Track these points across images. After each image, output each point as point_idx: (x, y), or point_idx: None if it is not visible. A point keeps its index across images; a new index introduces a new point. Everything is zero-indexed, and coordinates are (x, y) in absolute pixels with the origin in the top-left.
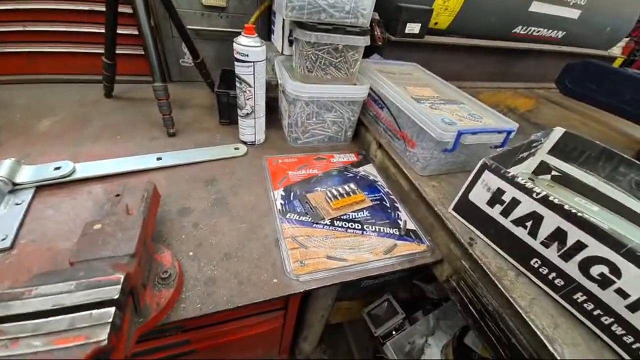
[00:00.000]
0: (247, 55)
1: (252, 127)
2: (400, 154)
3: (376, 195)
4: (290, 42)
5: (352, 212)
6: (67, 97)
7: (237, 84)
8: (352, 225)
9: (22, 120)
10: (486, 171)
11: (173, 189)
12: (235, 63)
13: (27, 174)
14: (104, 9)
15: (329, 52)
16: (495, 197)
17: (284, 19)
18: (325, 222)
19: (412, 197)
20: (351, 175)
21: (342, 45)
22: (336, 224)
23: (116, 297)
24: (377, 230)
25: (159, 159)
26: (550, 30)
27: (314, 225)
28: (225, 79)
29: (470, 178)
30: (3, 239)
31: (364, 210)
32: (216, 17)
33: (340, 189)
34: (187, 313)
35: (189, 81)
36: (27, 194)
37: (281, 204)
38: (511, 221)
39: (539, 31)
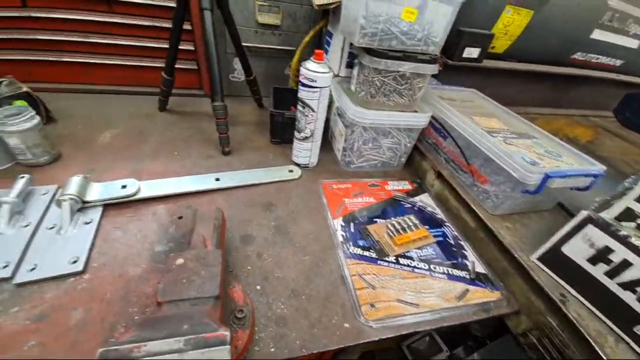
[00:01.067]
0: (315, 81)
1: (308, 150)
2: (467, 189)
3: (438, 230)
4: (349, 65)
5: (416, 248)
6: (122, 109)
7: (300, 108)
8: (418, 264)
9: (84, 132)
10: (590, 225)
11: (234, 213)
12: (301, 87)
13: (95, 192)
14: (165, 25)
15: (395, 79)
16: (600, 255)
17: (344, 42)
18: (390, 260)
19: (479, 235)
20: (408, 205)
21: (409, 73)
22: (402, 262)
23: (227, 359)
24: (446, 272)
25: (217, 179)
26: (609, 58)
27: (379, 262)
28: (278, 98)
29: (566, 230)
30: (75, 262)
31: (428, 247)
32: (269, 35)
33: (401, 221)
34: (262, 357)
35: (236, 96)
36: (95, 213)
37: (342, 235)
38: (618, 284)
39: (597, 58)
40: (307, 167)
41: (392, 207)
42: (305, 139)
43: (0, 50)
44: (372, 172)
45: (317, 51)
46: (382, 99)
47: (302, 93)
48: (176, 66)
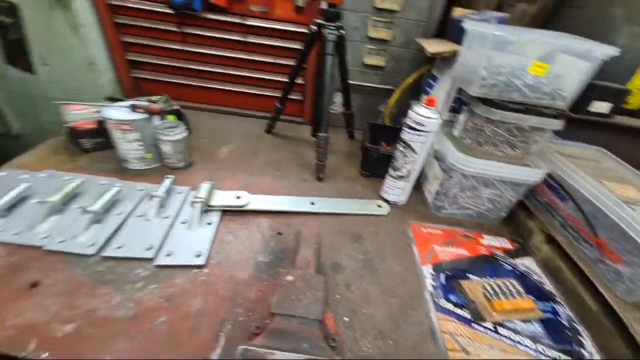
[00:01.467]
0: (424, 126)
1: (400, 189)
2: (590, 264)
3: (546, 305)
4: (453, 109)
5: (518, 320)
6: (237, 129)
7: (400, 147)
8: (522, 340)
9: (209, 146)
10: None
11: (325, 238)
12: (406, 129)
13: (217, 198)
14: (282, 62)
15: (508, 130)
16: None
17: (451, 87)
18: (487, 326)
19: (603, 323)
20: (509, 267)
21: (528, 125)
22: (502, 333)
23: None
24: (557, 358)
25: (312, 203)
26: None
27: (473, 324)
28: (373, 133)
29: None
30: (199, 255)
31: (534, 322)
32: (372, 74)
33: (500, 283)
34: None
35: (331, 126)
36: (215, 216)
37: (432, 285)
38: None
39: None
40: (396, 204)
41: (489, 265)
42: (400, 177)
43: (161, 73)
44: (464, 221)
45: (429, 97)
46: (490, 148)
47: (406, 135)
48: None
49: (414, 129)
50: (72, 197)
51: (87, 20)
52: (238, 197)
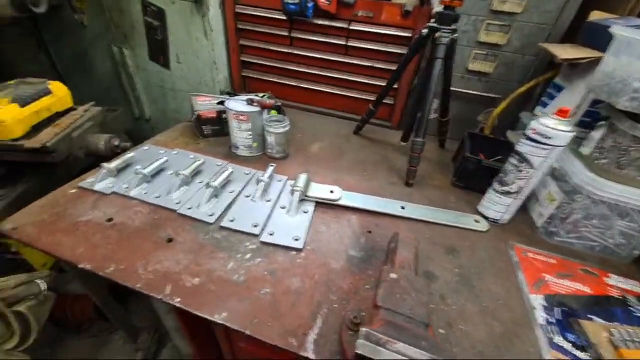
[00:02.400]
0: (550, 138)
1: (505, 206)
2: None
3: None
4: (582, 123)
5: None
6: (327, 128)
7: (514, 161)
8: None
9: (302, 141)
10: None
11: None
12: (525, 141)
13: (313, 190)
14: (381, 66)
15: None
16: None
17: (583, 98)
18: None
19: None
20: None
21: None
22: None
23: None
24: None
25: (402, 207)
26: None
27: None
28: (471, 144)
29: None
30: (297, 239)
31: None
32: (474, 81)
33: (631, 331)
34: None
35: None
36: (310, 206)
37: (545, 318)
38: None
39: None
40: (496, 222)
41: (617, 309)
42: (507, 193)
43: (265, 73)
44: (583, 253)
45: (563, 108)
46: (633, 173)
47: (525, 147)
48: (371, 98)
49: (536, 141)
50: (196, 172)
51: (216, 26)
52: (331, 192)
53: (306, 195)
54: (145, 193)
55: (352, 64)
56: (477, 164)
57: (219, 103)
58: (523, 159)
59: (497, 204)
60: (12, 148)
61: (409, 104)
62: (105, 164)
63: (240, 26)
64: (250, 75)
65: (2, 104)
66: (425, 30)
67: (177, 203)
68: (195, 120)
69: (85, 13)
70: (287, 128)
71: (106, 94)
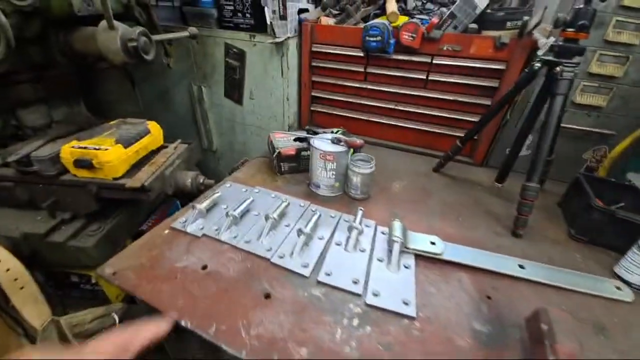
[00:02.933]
0: None
1: None
2: None
3: None
4: None
5: None
6: (404, 164)
7: None
8: None
9: (380, 179)
10: None
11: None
12: None
13: (411, 241)
14: (465, 99)
15: None
16: None
17: None
18: None
19: None
20: None
21: None
22: None
23: None
24: None
25: (521, 267)
26: None
27: None
28: (582, 187)
29: None
30: (406, 304)
31: None
32: (582, 115)
33: None
34: None
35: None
36: (410, 260)
37: None
38: None
39: None
40: None
41: None
42: None
43: (334, 107)
44: None
45: None
46: None
47: None
48: (451, 133)
49: None
50: (282, 215)
51: (292, 64)
52: (432, 243)
53: (406, 247)
54: (235, 237)
55: (431, 97)
56: (608, 215)
57: (296, 140)
58: None
59: None
60: (115, 186)
61: (499, 139)
62: (197, 205)
63: (314, 64)
64: (319, 109)
65: (108, 145)
66: (537, 64)
67: (268, 250)
68: (276, 157)
69: (172, 57)
70: (373, 169)
71: (179, 126)
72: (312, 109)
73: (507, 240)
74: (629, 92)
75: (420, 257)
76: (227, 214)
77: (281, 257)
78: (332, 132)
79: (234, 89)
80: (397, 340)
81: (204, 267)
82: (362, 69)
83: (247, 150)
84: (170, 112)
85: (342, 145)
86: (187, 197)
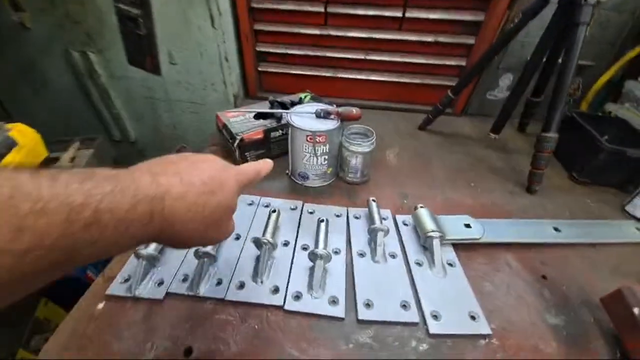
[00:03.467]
0: None
1: None
2: None
3: None
4: None
5: None
6: (384, 126)
7: None
8: None
9: None
10: None
11: (602, 284)
12: None
13: (444, 229)
14: (449, 40)
15: None
16: None
17: None
18: None
19: None
20: None
21: None
22: None
23: None
24: None
25: (556, 229)
26: None
27: None
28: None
29: None
30: (474, 318)
31: None
32: None
33: None
34: None
35: (485, 115)
36: (450, 253)
37: None
38: None
39: None
40: None
41: None
42: None
43: (290, 65)
44: None
45: None
46: None
47: None
48: (433, 82)
49: None
50: (275, 230)
51: (224, 8)
52: (467, 225)
53: (444, 240)
54: (220, 284)
55: (408, 41)
56: (617, 154)
57: (258, 117)
58: None
59: None
60: None
61: (481, 84)
62: (142, 251)
63: (255, 4)
64: (270, 70)
65: None
66: None
67: (275, 292)
68: (238, 146)
69: (27, 10)
70: (374, 145)
71: (68, 116)
72: (259, 69)
73: (525, 199)
74: (607, 18)
75: (456, 245)
76: (196, 252)
77: (298, 298)
78: (300, 98)
79: (142, 52)
80: None
81: (188, 352)
82: (321, 9)
83: (180, 134)
84: (46, 97)
85: (332, 118)
86: None
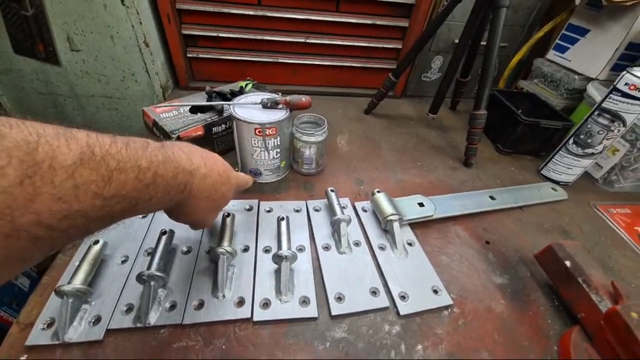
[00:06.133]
0: None
1: (580, 168)
2: None
3: None
4: (617, 67)
5: None
6: (331, 112)
7: (602, 120)
8: None
9: None
10: None
11: (533, 241)
12: (618, 97)
13: (401, 210)
14: (384, 22)
15: None
16: None
17: (621, 42)
18: None
19: None
20: None
21: None
22: None
23: None
24: None
25: (492, 197)
26: None
27: None
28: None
29: None
30: (437, 292)
31: None
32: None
33: None
34: None
35: (420, 96)
36: (409, 234)
37: None
38: None
39: None
40: (567, 185)
41: None
42: (590, 155)
43: (226, 50)
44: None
45: None
46: None
47: (616, 104)
48: (373, 66)
49: (634, 97)
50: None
51: None
52: (421, 204)
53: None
54: (173, 308)
55: (346, 23)
56: (532, 126)
57: (193, 110)
58: (615, 117)
59: (572, 167)
60: None
61: (416, 66)
62: (65, 287)
63: None
64: (201, 56)
65: None
66: None
67: (240, 304)
68: None
69: None
70: (327, 133)
71: None
72: (188, 55)
73: (464, 173)
74: (520, 1)
75: (412, 224)
76: (139, 277)
77: (266, 306)
78: (241, 87)
79: (31, 37)
80: (451, 342)
81: None
82: None
83: None
84: None
85: (281, 108)
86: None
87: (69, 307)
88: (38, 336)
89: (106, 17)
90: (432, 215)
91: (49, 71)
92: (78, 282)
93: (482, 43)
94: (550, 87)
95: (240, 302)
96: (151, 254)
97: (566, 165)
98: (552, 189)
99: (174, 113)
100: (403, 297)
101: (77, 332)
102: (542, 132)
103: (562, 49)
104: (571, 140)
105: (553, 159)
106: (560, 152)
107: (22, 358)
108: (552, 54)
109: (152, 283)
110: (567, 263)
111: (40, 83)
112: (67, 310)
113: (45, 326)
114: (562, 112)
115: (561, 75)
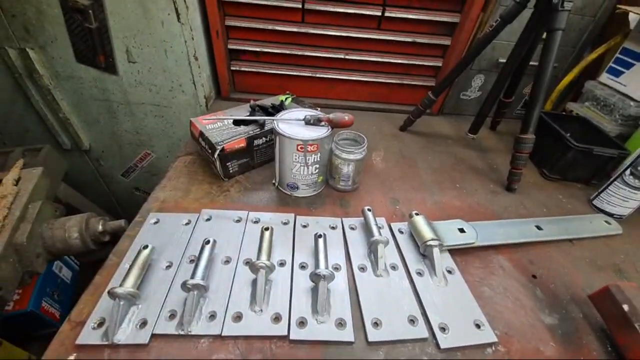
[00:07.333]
0: None
1: (638, 202)
2: None
3: None
4: None
5: None
6: (366, 128)
7: None
8: None
9: None
10: None
11: (584, 278)
12: None
13: (440, 235)
14: (425, 40)
15: None
16: None
17: None
18: None
19: None
20: None
21: None
22: None
23: None
24: None
25: (538, 227)
26: None
27: None
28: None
29: None
30: (479, 326)
31: None
32: None
33: None
34: None
35: (457, 114)
36: (448, 260)
37: None
38: None
39: None
40: (621, 219)
41: None
42: None
43: (268, 65)
44: None
45: None
46: None
47: None
48: (410, 83)
49: None
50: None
51: (191, 0)
52: (461, 230)
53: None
54: (212, 319)
55: (387, 40)
56: (584, 153)
57: (237, 123)
58: None
59: (629, 200)
60: None
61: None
62: (118, 289)
63: None
64: (243, 69)
65: None
66: None
67: (277, 320)
68: (219, 157)
69: None
70: (366, 151)
71: (4, 124)
72: (232, 68)
73: (506, 198)
74: (570, 21)
75: (451, 250)
76: (184, 284)
77: (302, 325)
78: (281, 101)
79: (93, 48)
80: None
81: None
82: (298, 4)
83: (144, 140)
84: None
85: (323, 125)
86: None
87: (120, 309)
88: (89, 335)
89: (162, 33)
90: (473, 243)
91: (106, 80)
92: (129, 285)
93: (530, 63)
94: (603, 112)
95: (277, 318)
96: (194, 261)
97: (622, 198)
98: (606, 221)
99: (218, 125)
100: (443, 329)
101: (125, 334)
102: (594, 160)
103: (616, 73)
104: (628, 171)
105: (607, 190)
106: (616, 182)
107: (70, 358)
108: (605, 77)
109: (195, 292)
110: (625, 307)
111: (98, 90)
112: (119, 312)
113: (95, 325)
114: (616, 138)
115: (615, 100)
